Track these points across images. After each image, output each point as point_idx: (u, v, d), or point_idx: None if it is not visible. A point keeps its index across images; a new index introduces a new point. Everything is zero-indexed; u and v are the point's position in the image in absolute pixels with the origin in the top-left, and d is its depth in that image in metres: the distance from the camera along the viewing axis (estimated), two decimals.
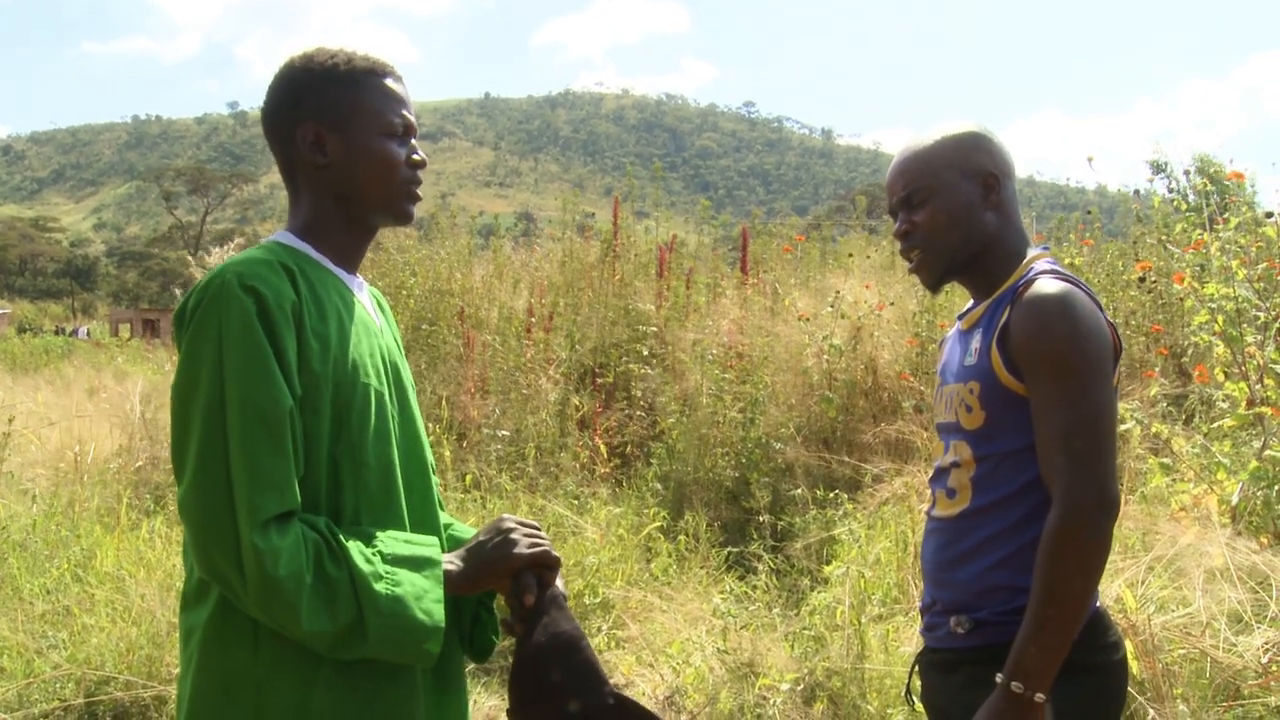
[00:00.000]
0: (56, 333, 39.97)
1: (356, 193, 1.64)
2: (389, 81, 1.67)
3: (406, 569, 1.51)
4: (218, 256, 7.64)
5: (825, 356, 6.82)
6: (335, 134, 1.62)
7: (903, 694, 2.03)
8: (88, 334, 38.39)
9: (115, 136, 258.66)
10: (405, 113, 1.67)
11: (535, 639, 1.61)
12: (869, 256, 8.31)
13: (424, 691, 1.61)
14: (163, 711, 4.17)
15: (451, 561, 1.61)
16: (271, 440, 1.44)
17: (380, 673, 1.54)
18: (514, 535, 1.64)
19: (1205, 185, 5.48)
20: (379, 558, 1.49)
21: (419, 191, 1.70)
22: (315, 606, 1.42)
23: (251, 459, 1.42)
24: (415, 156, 1.68)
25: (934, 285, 1.96)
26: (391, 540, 1.54)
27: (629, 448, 7.30)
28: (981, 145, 1.92)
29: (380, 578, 1.47)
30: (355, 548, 1.48)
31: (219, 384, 1.44)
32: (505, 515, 1.70)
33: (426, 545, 1.58)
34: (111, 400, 10.03)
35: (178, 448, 1.48)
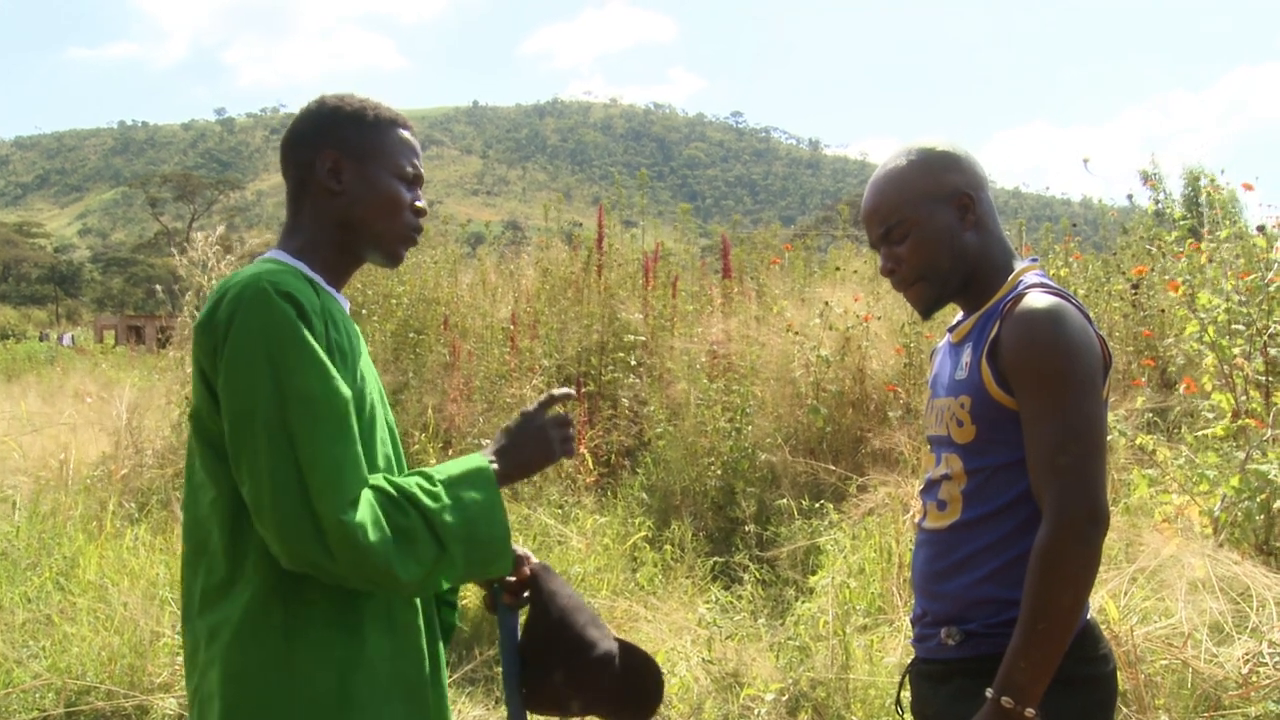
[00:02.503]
0: (41, 339, 39.75)
1: (360, 223, 1.73)
2: (407, 134, 1.79)
3: (464, 487, 1.63)
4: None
5: (813, 367, 6.83)
6: (352, 163, 1.72)
7: (892, 704, 2.03)
8: (72, 340, 38.16)
9: (101, 142, 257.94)
10: (417, 162, 1.80)
11: (552, 613, 1.78)
12: (855, 271, 8.33)
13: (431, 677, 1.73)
14: None
15: (493, 461, 1.72)
16: (341, 428, 1.54)
17: (403, 657, 1.66)
18: (549, 433, 1.80)
19: (1207, 193, 5.51)
20: (439, 485, 1.61)
21: (417, 238, 1.80)
22: (403, 559, 1.52)
23: (329, 447, 1.51)
24: (419, 204, 1.79)
25: (926, 313, 1.96)
26: (443, 468, 1.66)
27: (615, 457, 7.29)
28: (950, 165, 1.90)
29: (446, 506, 1.58)
30: (417, 484, 1.59)
31: (277, 383, 1.51)
32: (529, 409, 1.83)
33: (469, 460, 1.69)
34: (97, 407, 9.97)
35: (245, 450, 1.52)
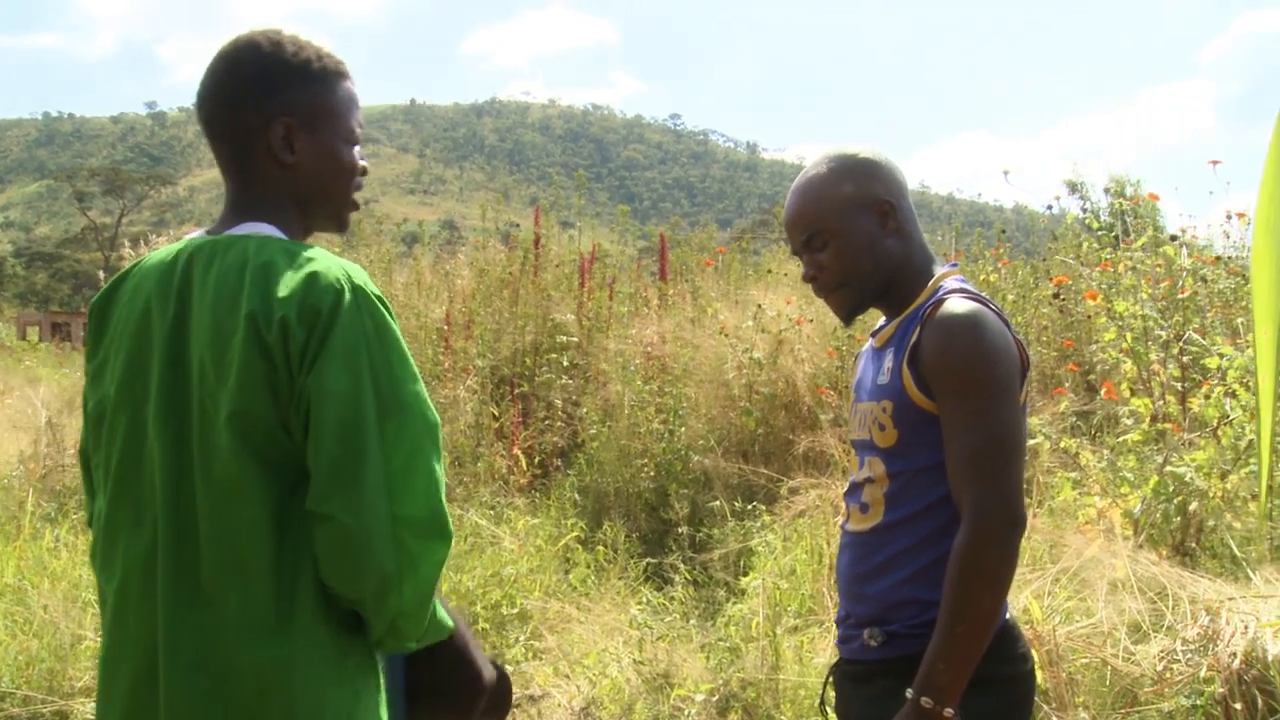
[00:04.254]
0: None
1: (316, 195, 1.63)
2: (349, 84, 1.66)
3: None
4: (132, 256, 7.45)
5: (745, 369, 6.87)
6: (304, 133, 1.59)
7: (816, 705, 2.05)
8: None
9: (24, 133, 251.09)
10: (360, 118, 1.67)
11: (456, 641, 1.72)
12: (787, 274, 8.39)
13: None
14: None
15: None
16: (438, 448, 1.49)
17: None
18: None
19: (1119, 205, 5.65)
20: None
21: (358, 199, 1.71)
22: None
23: (435, 464, 1.47)
24: (363, 163, 1.68)
25: (847, 319, 1.99)
26: None
27: (548, 458, 7.28)
28: (870, 172, 1.92)
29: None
30: None
31: (380, 393, 1.44)
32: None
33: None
34: (17, 405, 9.73)
35: (353, 460, 1.41)
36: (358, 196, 1.72)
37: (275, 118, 1.57)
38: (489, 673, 1.75)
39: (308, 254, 1.49)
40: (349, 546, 1.40)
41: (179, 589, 1.45)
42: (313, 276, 1.44)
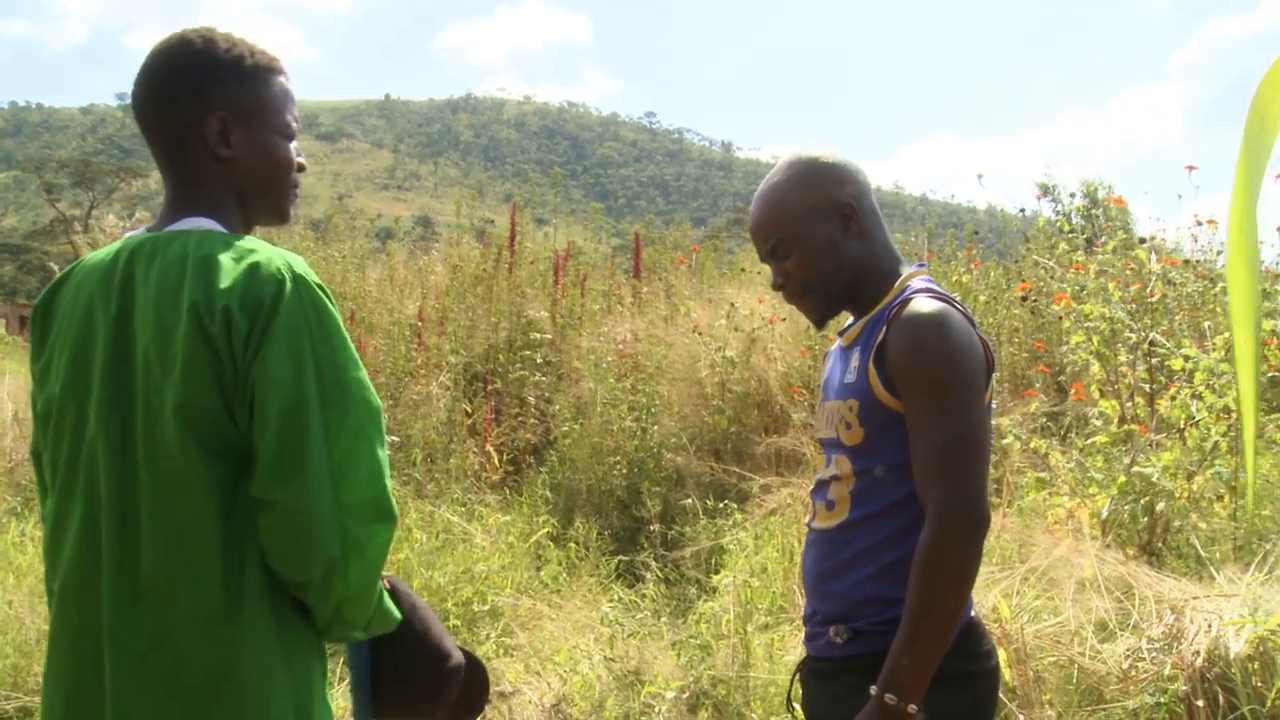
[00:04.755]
0: None
1: (254, 188, 1.64)
2: (283, 80, 1.68)
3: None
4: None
5: (718, 367, 6.88)
6: (239, 128, 1.60)
7: (784, 702, 2.06)
8: None
9: None
10: (295, 113, 1.69)
11: (416, 626, 1.73)
12: (759, 272, 8.41)
13: None
14: None
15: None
16: (382, 433, 1.51)
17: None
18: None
19: (1086, 209, 5.70)
20: None
21: (298, 193, 1.72)
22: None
23: (378, 449, 1.49)
24: (300, 159, 1.70)
25: (819, 323, 2.00)
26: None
27: (520, 455, 7.27)
28: (830, 176, 1.93)
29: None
30: None
31: (322, 381, 1.46)
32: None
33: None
34: None
35: (296, 446, 1.42)
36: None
37: (210, 112, 1.59)
38: (456, 658, 1.76)
39: (248, 246, 1.51)
40: (295, 532, 1.42)
41: (124, 582, 1.45)
42: (254, 267, 1.47)
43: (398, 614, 1.63)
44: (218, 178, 1.61)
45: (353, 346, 1.51)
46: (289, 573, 1.45)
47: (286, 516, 1.42)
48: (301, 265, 1.51)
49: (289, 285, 1.46)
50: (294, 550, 1.43)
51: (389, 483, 1.50)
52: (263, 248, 1.51)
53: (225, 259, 1.48)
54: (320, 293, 1.50)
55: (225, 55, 1.61)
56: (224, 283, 1.45)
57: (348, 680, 1.77)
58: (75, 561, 1.50)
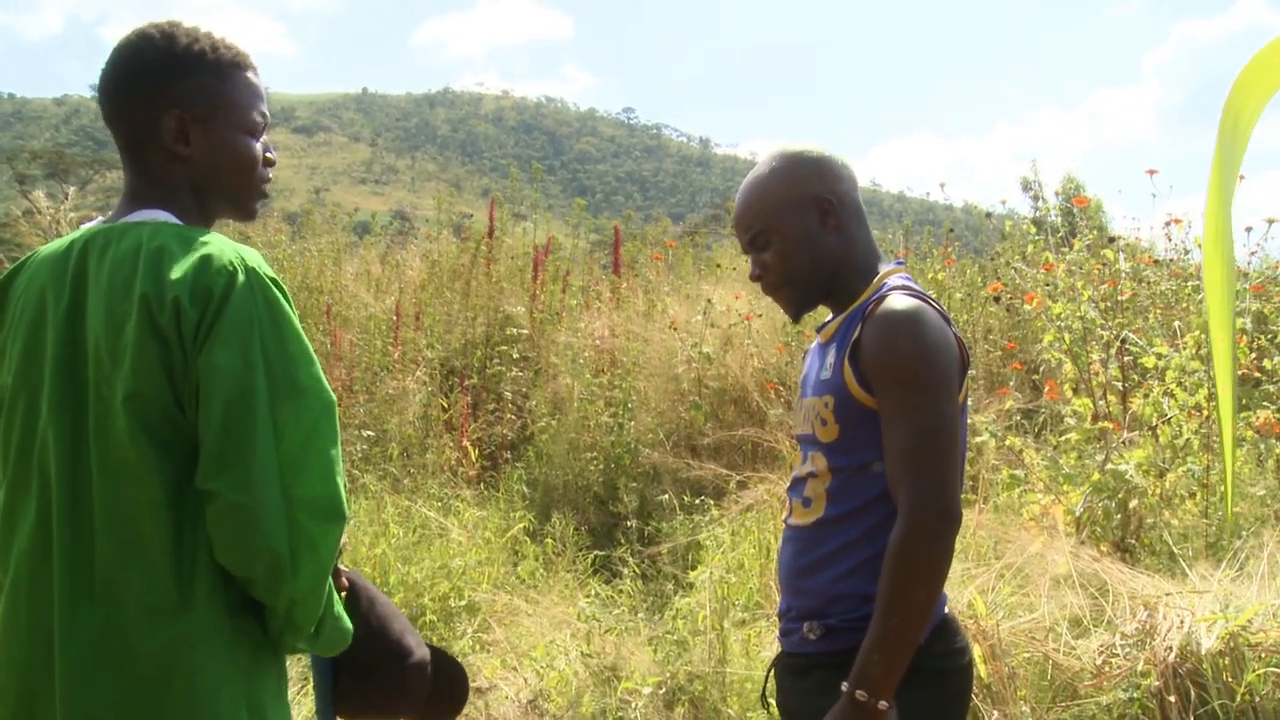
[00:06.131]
0: None
1: (214, 186, 1.62)
2: (250, 75, 1.65)
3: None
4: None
5: (695, 363, 6.89)
6: (198, 125, 1.58)
7: (760, 698, 2.06)
8: None
9: None
10: (264, 109, 1.66)
11: (372, 622, 1.74)
12: (736, 268, 8.42)
13: None
14: None
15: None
16: (335, 430, 1.50)
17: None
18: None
19: (1065, 207, 5.73)
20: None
21: (268, 190, 1.70)
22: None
23: (331, 446, 1.48)
24: (269, 155, 1.68)
25: (795, 316, 2.00)
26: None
27: (497, 450, 7.26)
28: (812, 170, 1.94)
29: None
30: None
31: (272, 374, 1.44)
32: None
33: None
34: None
35: (240, 437, 1.41)
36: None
37: (167, 110, 1.57)
38: (419, 655, 1.75)
39: (202, 238, 1.50)
40: (236, 523, 1.41)
41: (75, 574, 1.45)
42: (205, 259, 1.46)
43: (350, 625, 1.61)
44: (176, 173, 1.60)
45: (307, 342, 1.50)
46: (233, 566, 1.44)
47: (228, 507, 1.41)
48: (255, 259, 1.50)
49: (240, 277, 1.45)
50: (236, 543, 1.42)
51: (341, 480, 1.49)
52: (216, 240, 1.50)
53: (178, 251, 1.47)
54: (274, 287, 1.49)
55: (185, 51, 1.59)
56: (175, 274, 1.44)
57: (312, 681, 1.76)
58: (28, 554, 1.49)
